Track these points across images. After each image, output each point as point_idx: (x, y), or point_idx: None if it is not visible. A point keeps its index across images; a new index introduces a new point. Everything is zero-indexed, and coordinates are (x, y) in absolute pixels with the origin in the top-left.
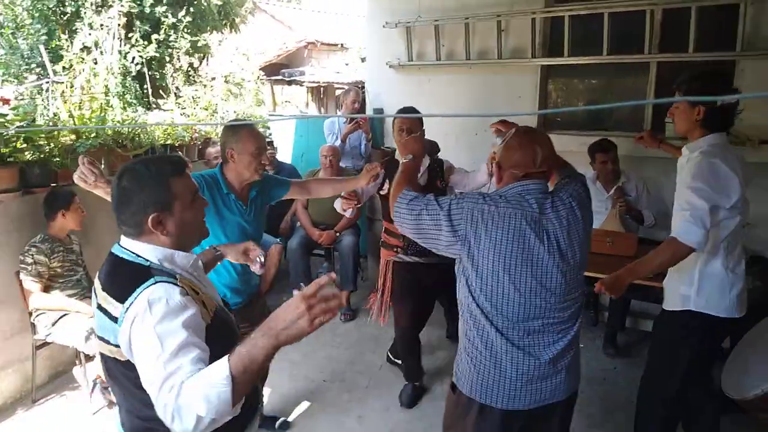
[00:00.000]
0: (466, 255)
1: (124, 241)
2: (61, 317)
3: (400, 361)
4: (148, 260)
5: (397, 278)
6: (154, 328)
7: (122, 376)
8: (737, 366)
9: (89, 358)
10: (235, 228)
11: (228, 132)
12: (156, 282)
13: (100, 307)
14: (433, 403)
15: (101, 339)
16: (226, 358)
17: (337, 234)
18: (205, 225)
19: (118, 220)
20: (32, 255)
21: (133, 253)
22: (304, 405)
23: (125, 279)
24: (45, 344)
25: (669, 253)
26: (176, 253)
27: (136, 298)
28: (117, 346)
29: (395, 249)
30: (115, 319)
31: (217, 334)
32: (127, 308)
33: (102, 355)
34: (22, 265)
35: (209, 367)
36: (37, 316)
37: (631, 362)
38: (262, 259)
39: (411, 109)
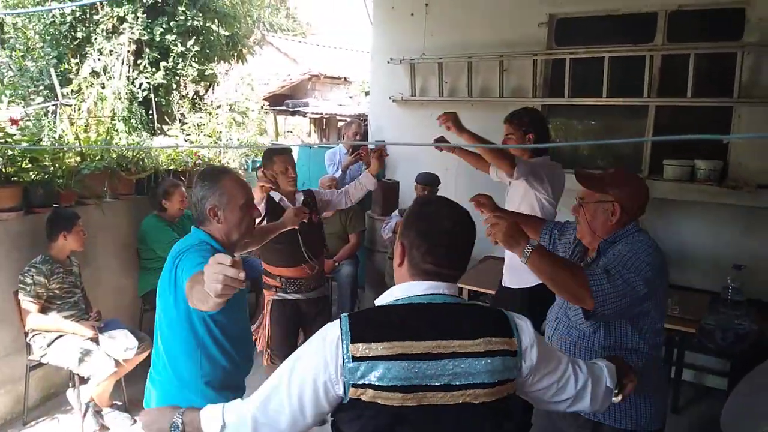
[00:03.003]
0: (648, 302)
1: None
2: (57, 338)
3: None
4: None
5: (281, 317)
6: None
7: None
8: (735, 409)
9: (83, 380)
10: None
11: (205, 184)
12: None
13: (471, 354)
14: None
15: (475, 386)
16: None
17: (336, 263)
18: None
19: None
20: (32, 276)
21: (451, 295)
22: None
23: (495, 316)
24: (39, 365)
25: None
26: None
27: (525, 325)
28: (511, 380)
29: (274, 289)
30: (513, 353)
31: None
32: (521, 338)
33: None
34: (21, 285)
35: None
36: (33, 336)
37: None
38: None
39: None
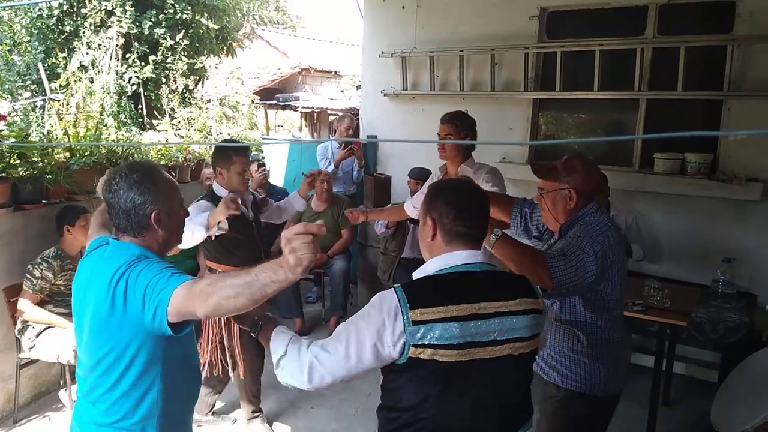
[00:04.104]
0: (600, 281)
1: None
2: (45, 329)
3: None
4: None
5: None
6: None
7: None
8: (726, 401)
9: (74, 378)
10: None
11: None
12: None
13: (511, 313)
14: None
15: (515, 340)
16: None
17: (330, 258)
18: None
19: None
20: (41, 270)
21: (486, 263)
22: None
23: (522, 280)
24: (29, 362)
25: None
26: None
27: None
28: (539, 334)
29: None
30: (541, 311)
31: None
32: (543, 300)
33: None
34: (28, 276)
35: None
36: (23, 329)
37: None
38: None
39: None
